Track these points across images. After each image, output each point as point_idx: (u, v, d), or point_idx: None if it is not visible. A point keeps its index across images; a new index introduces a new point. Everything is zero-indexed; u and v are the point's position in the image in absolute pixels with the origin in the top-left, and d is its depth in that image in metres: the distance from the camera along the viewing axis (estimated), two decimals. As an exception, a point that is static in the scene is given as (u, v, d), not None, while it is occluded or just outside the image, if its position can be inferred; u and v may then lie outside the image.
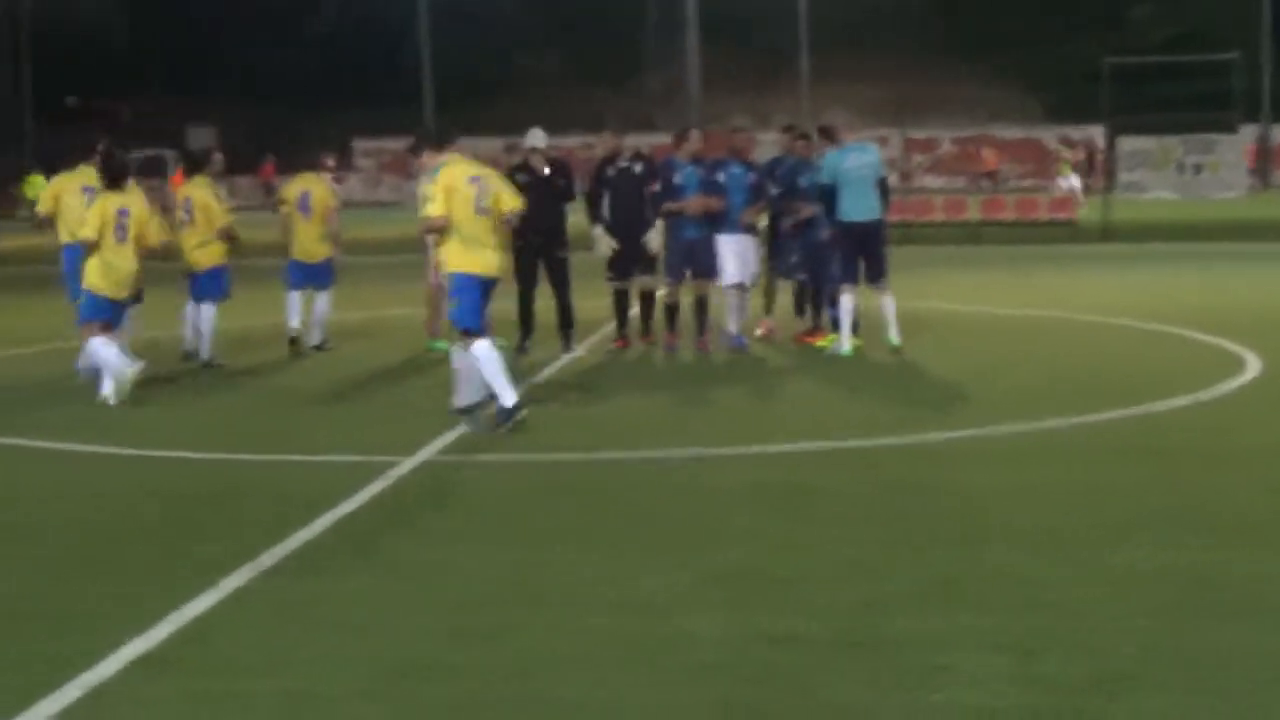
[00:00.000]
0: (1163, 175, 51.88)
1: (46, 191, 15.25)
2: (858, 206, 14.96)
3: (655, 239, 15.46)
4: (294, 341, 16.32)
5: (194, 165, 16.10)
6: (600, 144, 16.73)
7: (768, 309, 16.59)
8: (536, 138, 15.80)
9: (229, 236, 15.44)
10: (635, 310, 16.08)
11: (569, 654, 6.25)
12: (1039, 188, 51.28)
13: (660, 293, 15.82)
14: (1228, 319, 17.01)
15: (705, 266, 15.62)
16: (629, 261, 15.66)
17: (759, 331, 16.36)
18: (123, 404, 12.90)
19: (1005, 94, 67.76)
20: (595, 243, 15.80)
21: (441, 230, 11.46)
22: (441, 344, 15.60)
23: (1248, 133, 55.32)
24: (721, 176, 15.58)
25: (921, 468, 9.89)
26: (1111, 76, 35.47)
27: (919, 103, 63.81)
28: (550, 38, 71.67)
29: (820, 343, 15.63)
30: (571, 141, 55.12)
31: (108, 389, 13.06)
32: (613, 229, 15.63)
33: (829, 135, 15.71)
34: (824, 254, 15.39)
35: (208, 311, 15.24)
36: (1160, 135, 51.93)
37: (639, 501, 9.08)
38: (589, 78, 68.40)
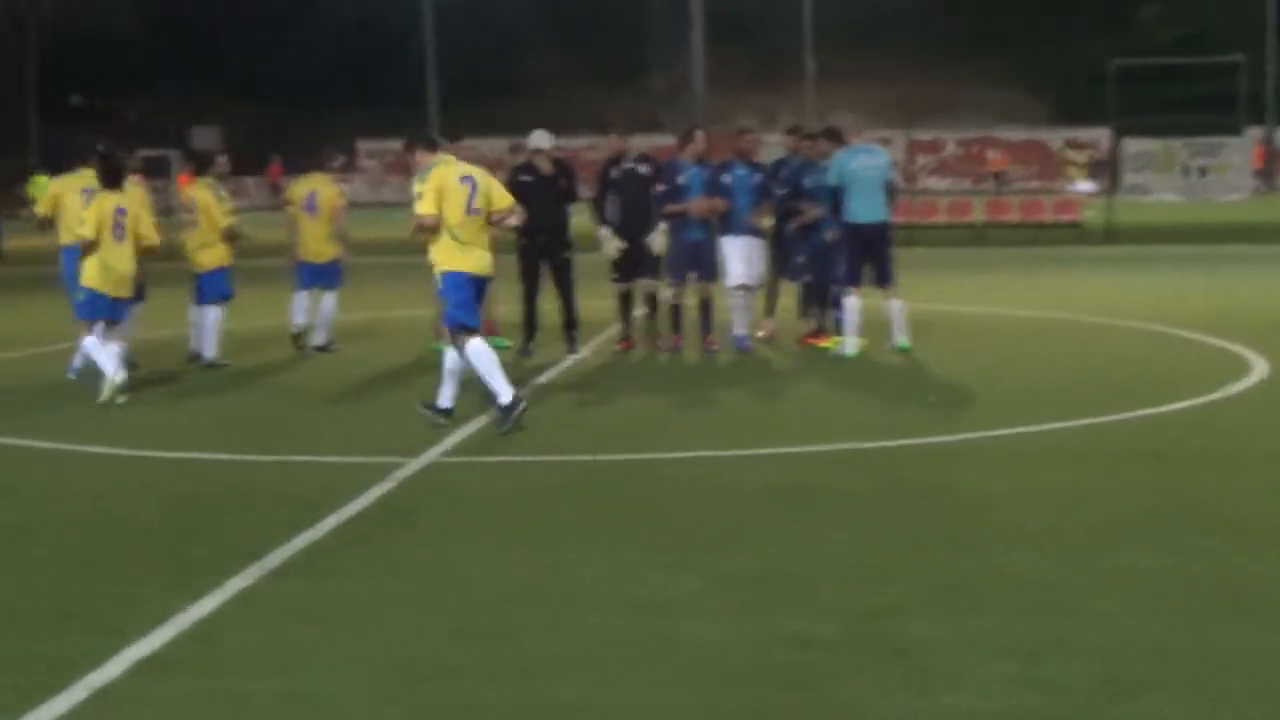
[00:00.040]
0: (1168, 177, 51.76)
1: (46, 193, 15.26)
2: (865, 208, 14.95)
3: (659, 240, 15.44)
4: (296, 338, 16.36)
5: (201, 166, 16.12)
6: (606, 145, 16.73)
7: (769, 311, 16.57)
8: (540, 139, 15.82)
9: (233, 237, 15.45)
10: (640, 312, 16.07)
11: (575, 656, 6.24)
12: (1044, 189, 51.27)
13: (664, 294, 15.80)
14: (1233, 321, 17.00)
15: (708, 268, 15.60)
16: (634, 263, 15.65)
17: (760, 333, 16.35)
18: (105, 405, 12.91)
19: (1010, 95, 67.75)
20: (601, 244, 15.80)
21: (433, 229, 11.47)
22: (446, 345, 15.63)
23: (1253, 135, 55.22)
24: (727, 178, 15.57)
25: (929, 470, 9.87)
26: (1117, 78, 35.42)
27: (924, 104, 63.84)
28: (555, 38, 71.70)
29: (825, 344, 15.62)
30: (576, 143, 55.12)
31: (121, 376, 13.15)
32: (619, 230, 15.62)
33: (835, 137, 15.69)
34: (829, 255, 15.37)
35: (212, 312, 15.25)
36: (1165, 137, 51.86)
37: (645, 503, 9.06)
38: (594, 78, 68.42)
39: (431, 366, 14.82)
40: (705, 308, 15.62)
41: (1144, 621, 6.54)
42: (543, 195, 15.32)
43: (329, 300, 16.45)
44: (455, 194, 11.48)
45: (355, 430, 11.76)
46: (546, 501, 9.16)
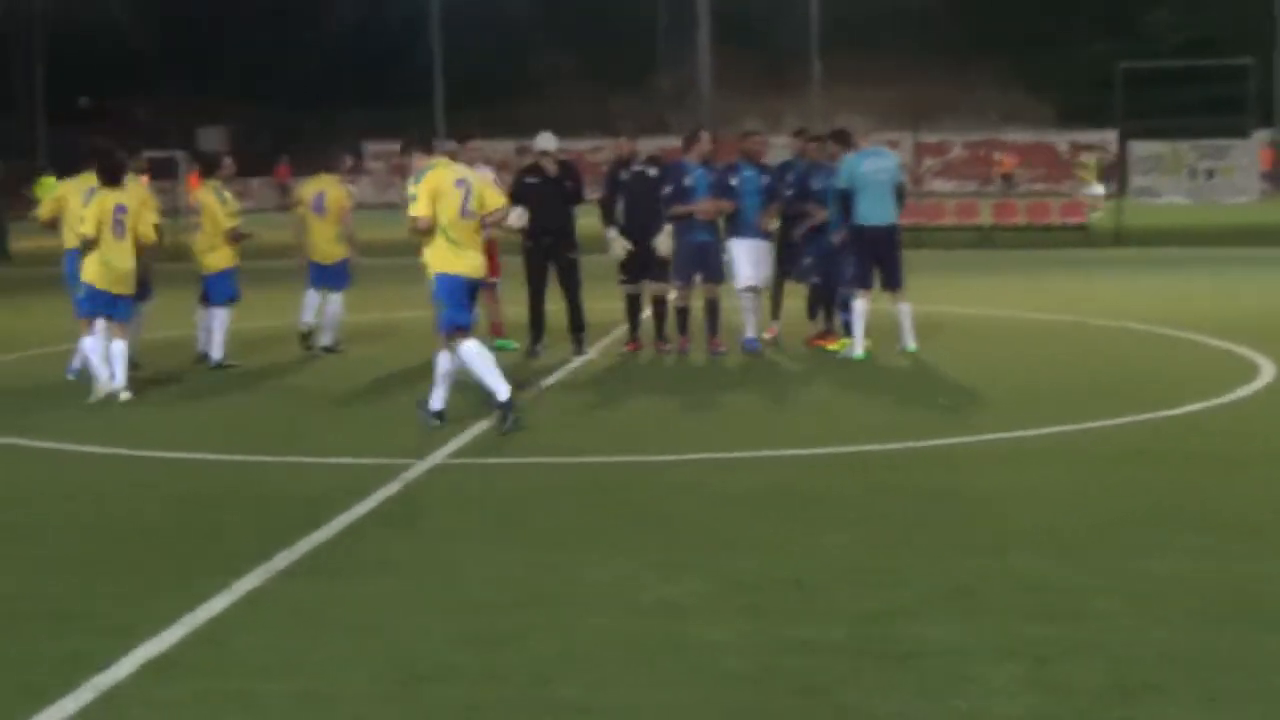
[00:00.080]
0: (1175, 180, 51.82)
1: (50, 196, 15.26)
2: (875, 211, 14.94)
3: (665, 242, 15.42)
4: (305, 337, 16.39)
5: (207, 168, 16.14)
6: (615, 147, 16.73)
7: (774, 313, 16.56)
8: (546, 141, 15.83)
9: (238, 238, 15.45)
10: (647, 314, 16.07)
11: (583, 658, 6.24)
12: (1051, 192, 51.23)
13: (671, 296, 15.79)
14: (1240, 324, 16.98)
15: (714, 270, 15.59)
16: (642, 265, 15.65)
17: (765, 335, 16.33)
18: (94, 406, 12.98)
19: (1017, 98, 67.68)
20: (610, 245, 15.80)
21: (426, 231, 11.50)
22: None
23: (1261, 137, 55.20)
24: (735, 180, 15.55)
25: (936, 472, 9.87)
26: (1124, 81, 35.39)
27: (930, 106, 63.76)
28: (561, 39, 71.66)
29: (833, 346, 15.60)
30: (582, 144, 55.16)
31: (119, 382, 13.15)
32: (627, 232, 15.62)
33: (844, 140, 15.66)
34: (836, 257, 15.36)
35: (220, 314, 15.26)
36: (1173, 140, 51.87)
37: (652, 505, 9.06)
38: (599, 79, 68.38)
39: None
40: (711, 309, 15.61)
41: (1151, 624, 6.53)
42: (549, 197, 15.34)
43: (336, 301, 16.46)
44: (449, 197, 11.52)
45: (362, 431, 11.76)
46: (553, 503, 9.16)
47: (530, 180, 15.61)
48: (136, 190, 14.43)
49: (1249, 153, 53.37)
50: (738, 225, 15.65)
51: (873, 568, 7.51)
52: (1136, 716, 5.53)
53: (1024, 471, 9.84)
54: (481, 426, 11.48)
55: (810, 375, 14.51)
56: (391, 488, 9.50)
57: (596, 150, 56.82)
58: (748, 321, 15.74)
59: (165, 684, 6.02)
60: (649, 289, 15.87)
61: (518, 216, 14.66)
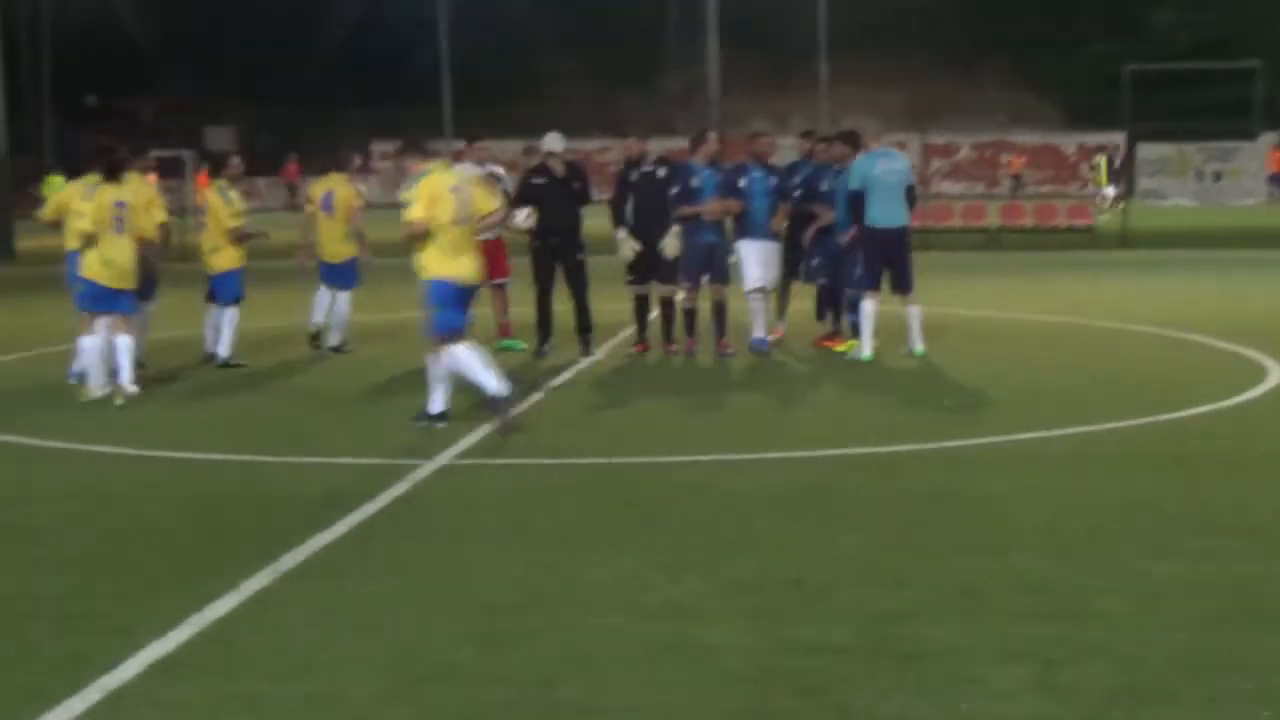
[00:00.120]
0: (1182, 182, 51.73)
1: (54, 198, 15.26)
2: (887, 213, 14.94)
3: (672, 244, 15.41)
4: (314, 337, 16.43)
5: (216, 168, 16.17)
6: (625, 148, 16.72)
7: (780, 314, 16.54)
8: (554, 142, 15.84)
9: (242, 239, 15.44)
10: (655, 314, 16.07)
11: (591, 659, 6.25)
12: (1058, 194, 51.18)
13: (678, 297, 15.80)
14: (1247, 326, 16.97)
15: (721, 271, 15.59)
16: (650, 265, 15.65)
17: (771, 336, 16.32)
18: (87, 403, 13.07)
19: (1024, 99, 67.60)
20: (619, 246, 15.80)
21: (421, 236, 11.50)
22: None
23: (1268, 140, 55.12)
24: (743, 181, 15.55)
25: (943, 474, 9.88)
26: (1132, 83, 35.35)
27: (936, 107, 63.70)
28: (569, 40, 71.63)
29: (840, 348, 15.60)
30: (589, 145, 55.13)
31: (125, 378, 13.18)
32: (636, 232, 15.63)
33: (852, 141, 15.65)
34: (844, 258, 15.36)
35: (230, 312, 15.28)
36: (1180, 142, 51.79)
37: (660, 506, 9.07)
38: (606, 80, 68.36)
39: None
40: (719, 311, 15.61)
41: (1159, 626, 6.54)
42: (556, 197, 15.36)
43: (343, 301, 16.47)
44: (445, 202, 11.53)
45: (369, 432, 11.76)
46: (560, 504, 9.17)
47: (537, 181, 15.63)
48: (143, 189, 14.45)
49: (1256, 155, 53.28)
50: (746, 226, 15.65)
51: (877, 568, 7.52)
52: (1139, 718, 5.54)
53: (1027, 473, 9.85)
54: (488, 428, 11.48)
55: (817, 376, 14.51)
56: (399, 488, 9.51)
57: (603, 151, 56.76)
58: (756, 322, 15.74)
59: (173, 684, 6.03)
60: (657, 290, 15.87)
61: (525, 217, 14.66)
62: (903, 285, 15.22)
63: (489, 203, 12.08)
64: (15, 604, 7.22)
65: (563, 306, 15.90)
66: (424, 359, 11.95)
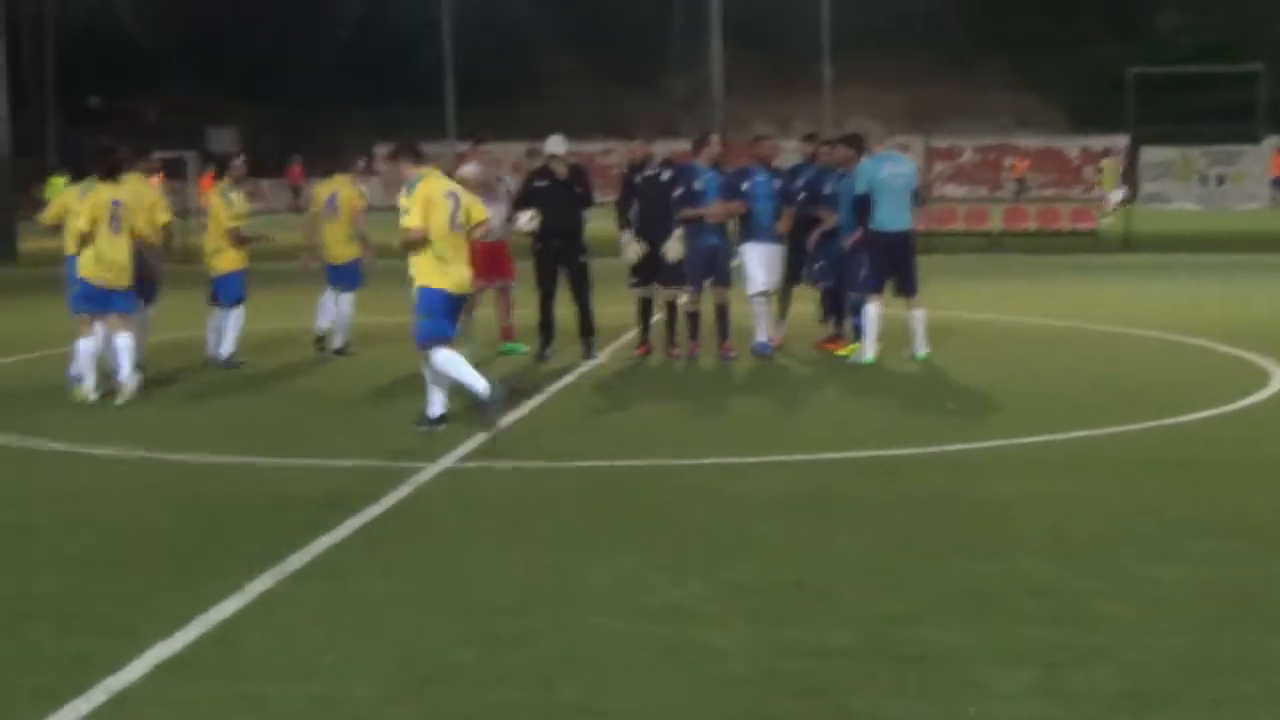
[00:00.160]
0: (1185, 186, 51.75)
1: (54, 204, 15.26)
2: (894, 216, 14.94)
3: (674, 247, 15.40)
4: (320, 340, 16.45)
5: (221, 169, 16.18)
6: (630, 150, 16.73)
7: (780, 317, 16.52)
8: (556, 145, 15.84)
9: (240, 240, 15.44)
10: (658, 317, 16.07)
11: (592, 661, 6.26)
12: (1061, 197, 51.16)
13: (682, 300, 15.80)
14: (1250, 330, 16.96)
15: (724, 273, 15.59)
16: (653, 268, 15.65)
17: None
18: (81, 404, 13.12)
19: (1027, 103, 67.58)
20: (624, 249, 15.81)
21: (420, 243, 11.50)
22: (466, 350, 15.65)
23: (1272, 143, 55.12)
24: (746, 184, 15.54)
25: (945, 477, 9.88)
26: (1135, 86, 35.34)
27: (940, 110, 63.69)
28: (572, 41, 71.65)
29: (842, 351, 15.60)
30: (591, 147, 55.10)
31: (125, 376, 13.20)
32: (640, 234, 15.62)
33: (856, 144, 15.65)
34: (847, 261, 15.36)
35: (235, 313, 15.29)
36: (1183, 146, 51.78)
37: (662, 509, 9.08)
38: (610, 82, 68.36)
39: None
40: (721, 313, 15.61)
41: (1162, 630, 6.55)
42: (558, 200, 15.37)
43: (345, 302, 16.47)
44: (440, 207, 11.54)
45: (372, 434, 11.77)
46: (562, 506, 9.18)
47: (540, 183, 15.64)
48: (146, 191, 14.45)
49: (1260, 159, 53.28)
50: (751, 229, 15.64)
51: (878, 571, 7.53)
52: (1143, 723, 5.56)
53: (1030, 477, 9.85)
54: (493, 430, 11.49)
55: (820, 380, 14.51)
56: (402, 490, 9.52)
57: (606, 153, 56.76)
58: (759, 325, 15.73)
59: (178, 685, 6.04)
60: (660, 293, 15.87)
61: (528, 220, 14.67)
62: (907, 289, 15.22)
63: (480, 214, 12.10)
64: (15, 604, 7.23)
65: (565, 309, 15.91)
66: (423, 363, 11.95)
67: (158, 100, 69.01)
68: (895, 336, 15.35)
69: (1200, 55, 61.21)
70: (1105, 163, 49.82)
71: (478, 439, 11.16)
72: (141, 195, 14.31)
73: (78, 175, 15.74)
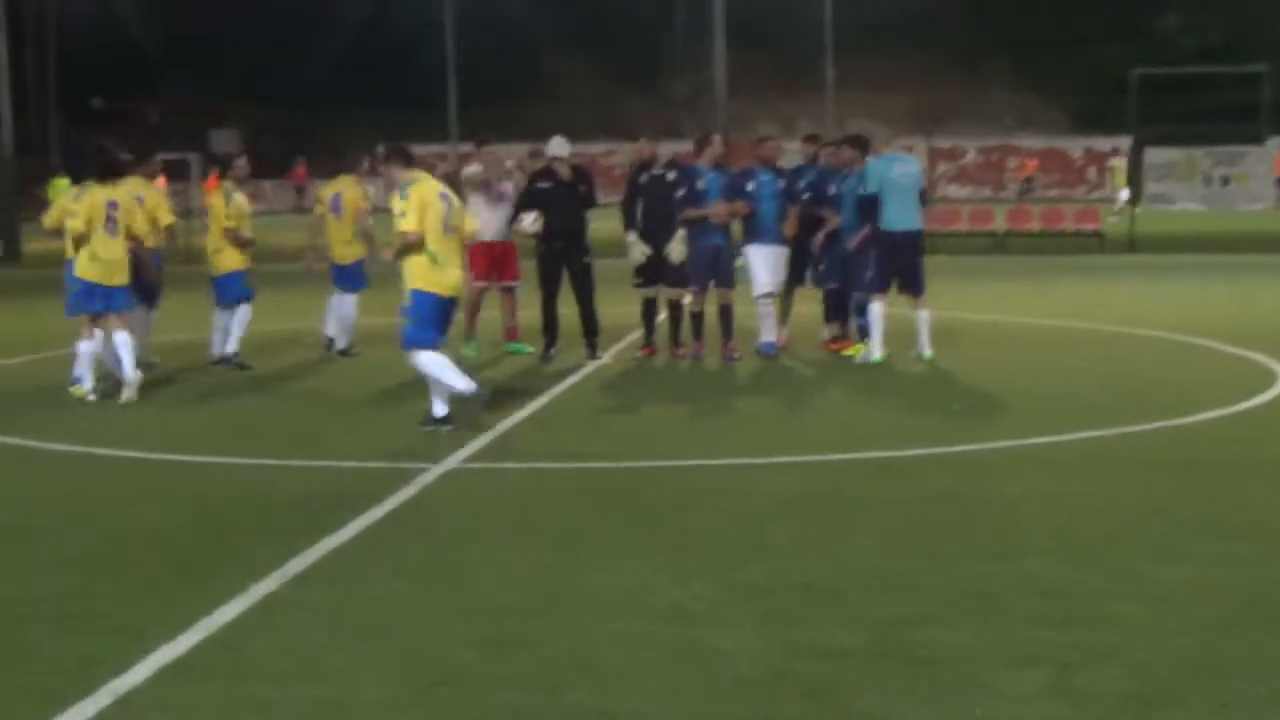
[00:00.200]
0: (1189, 187, 51.73)
1: (54, 207, 15.24)
2: (902, 216, 14.92)
3: (677, 248, 15.36)
4: (329, 343, 16.45)
5: (224, 170, 16.16)
6: (635, 151, 16.70)
7: (783, 318, 16.49)
8: (559, 146, 15.82)
9: (238, 241, 15.40)
10: (662, 317, 16.04)
11: (600, 663, 6.23)
12: (1065, 198, 51.11)
13: (686, 301, 15.77)
14: (1255, 331, 16.93)
15: (727, 274, 15.55)
16: (657, 268, 15.62)
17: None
18: (79, 403, 13.13)
19: (1031, 103, 67.58)
20: (629, 249, 15.77)
21: (418, 246, 11.48)
22: (471, 350, 15.65)
23: (1276, 144, 55.08)
24: (750, 185, 15.51)
25: (953, 478, 9.84)
26: (1139, 87, 35.30)
27: (944, 111, 63.69)
28: (574, 42, 71.65)
29: (848, 351, 15.57)
30: (594, 148, 55.11)
31: (128, 372, 13.17)
32: (645, 235, 15.59)
33: (861, 145, 15.61)
34: (853, 262, 15.33)
35: (241, 311, 15.28)
36: (1187, 146, 51.75)
37: (668, 510, 9.05)
38: (614, 83, 68.37)
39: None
40: (725, 314, 15.57)
41: (1171, 631, 6.52)
42: (561, 201, 15.35)
43: (349, 303, 16.45)
44: (435, 209, 11.56)
45: (376, 435, 11.74)
46: (567, 508, 9.15)
47: (543, 185, 15.61)
48: (150, 193, 14.42)
49: (1264, 159, 53.26)
50: (755, 231, 15.60)
51: (887, 573, 7.49)
52: (1155, 725, 5.52)
53: (1038, 478, 9.82)
54: (497, 431, 11.47)
55: (825, 380, 14.48)
56: (406, 492, 9.49)
57: (609, 154, 56.78)
58: (764, 326, 15.70)
59: (182, 688, 6.01)
60: (664, 293, 15.84)
61: (531, 221, 14.63)
62: (914, 289, 15.19)
63: (472, 224, 12.24)
64: (15, 605, 7.21)
65: (569, 310, 15.87)
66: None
67: (160, 101, 69.01)
68: (900, 337, 15.32)
69: (1203, 56, 61.15)
70: (1115, 162, 49.80)
71: (481, 440, 11.13)
72: (144, 197, 14.30)
73: (79, 176, 15.77)
